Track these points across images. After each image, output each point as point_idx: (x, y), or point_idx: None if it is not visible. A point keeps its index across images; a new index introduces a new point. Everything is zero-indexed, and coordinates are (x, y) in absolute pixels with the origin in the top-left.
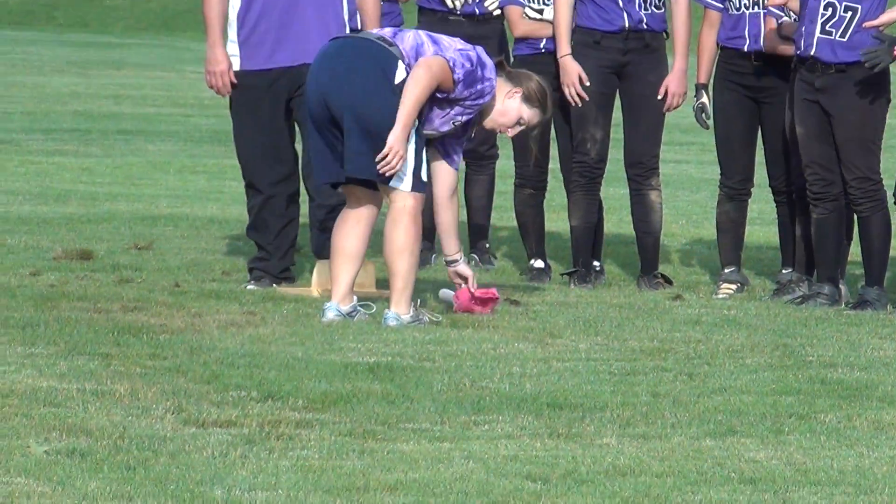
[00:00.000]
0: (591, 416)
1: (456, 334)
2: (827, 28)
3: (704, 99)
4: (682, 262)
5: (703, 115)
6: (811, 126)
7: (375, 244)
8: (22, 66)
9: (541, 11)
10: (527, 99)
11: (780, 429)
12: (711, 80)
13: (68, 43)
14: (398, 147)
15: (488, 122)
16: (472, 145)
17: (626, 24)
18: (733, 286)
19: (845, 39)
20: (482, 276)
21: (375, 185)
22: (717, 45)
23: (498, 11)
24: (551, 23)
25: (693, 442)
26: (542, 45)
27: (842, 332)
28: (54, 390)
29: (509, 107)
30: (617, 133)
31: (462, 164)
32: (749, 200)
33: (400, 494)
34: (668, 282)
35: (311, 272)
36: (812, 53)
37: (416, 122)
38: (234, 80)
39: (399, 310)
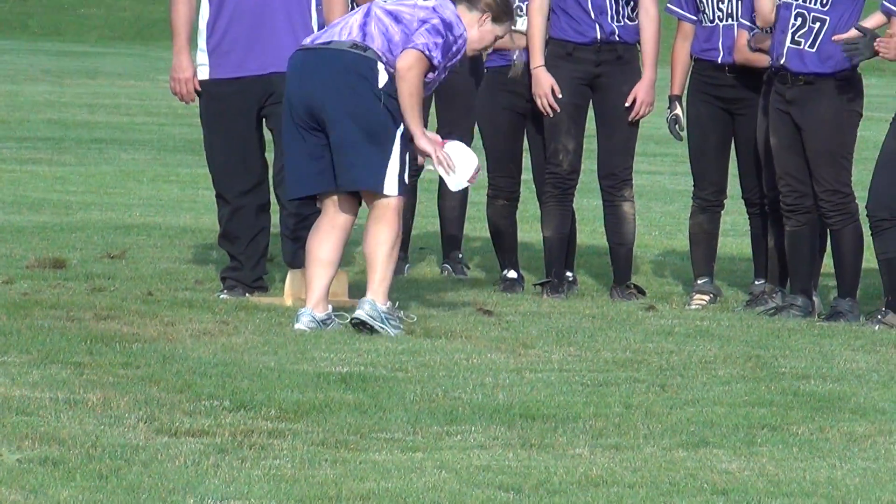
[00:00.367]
0: (563, 427)
1: (429, 344)
2: (796, 38)
3: (678, 110)
4: (655, 273)
5: (677, 126)
6: (784, 137)
7: (349, 254)
8: None
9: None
10: (496, 19)
11: (753, 440)
12: (685, 92)
13: (42, 51)
14: (430, 147)
15: (470, 52)
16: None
17: (599, 36)
18: (706, 297)
19: (814, 50)
20: (455, 286)
21: (359, 193)
22: (691, 56)
23: None
24: (524, 34)
25: (665, 453)
26: (514, 57)
27: (814, 344)
28: (27, 399)
29: (484, 32)
30: (590, 144)
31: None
32: (722, 212)
33: None
34: (641, 292)
35: (284, 282)
36: (782, 63)
37: (402, 126)
38: (199, 88)
39: (376, 298)
